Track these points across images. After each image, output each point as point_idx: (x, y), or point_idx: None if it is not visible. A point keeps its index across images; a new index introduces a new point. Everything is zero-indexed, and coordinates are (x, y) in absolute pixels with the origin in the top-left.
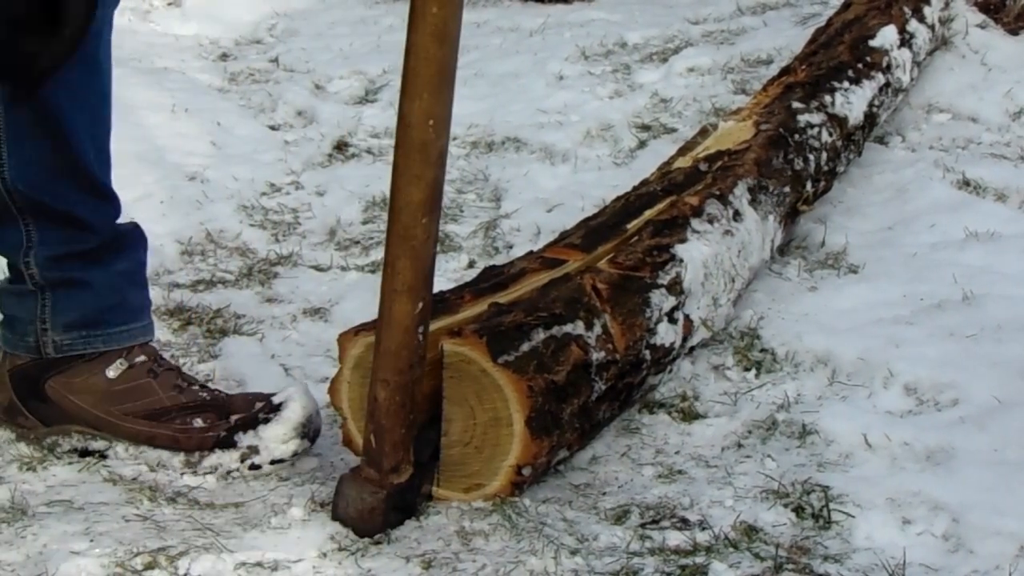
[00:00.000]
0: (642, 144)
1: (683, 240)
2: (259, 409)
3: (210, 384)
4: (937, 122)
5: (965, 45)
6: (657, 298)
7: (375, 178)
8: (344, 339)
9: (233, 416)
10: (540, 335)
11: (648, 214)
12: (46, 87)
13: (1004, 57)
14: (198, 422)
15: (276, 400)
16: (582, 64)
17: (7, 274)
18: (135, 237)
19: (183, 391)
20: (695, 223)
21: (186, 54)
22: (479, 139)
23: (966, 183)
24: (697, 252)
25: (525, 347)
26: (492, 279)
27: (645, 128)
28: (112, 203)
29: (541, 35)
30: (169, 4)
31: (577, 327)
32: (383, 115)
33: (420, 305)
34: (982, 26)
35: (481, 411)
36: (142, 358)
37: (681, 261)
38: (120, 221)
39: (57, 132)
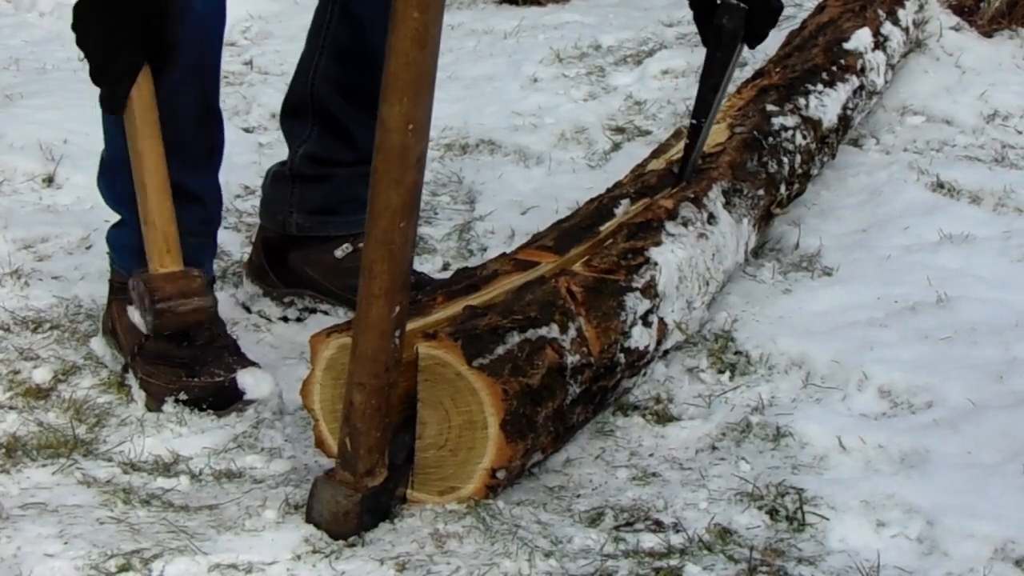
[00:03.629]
0: (616, 146)
1: (657, 243)
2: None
3: None
4: (911, 124)
5: (939, 47)
6: (632, 301)
7: None
8: (316, 341)
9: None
10: (515, 338)
11: (620, 217)
12: (371, 28)
13: (978, 59)
14: None
15: None
16: (556, 66)
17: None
18: None
19: None
20: (669, 226)
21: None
22: (453, 141)
23: (940, 185)
24: (671, 255)
25: (500, 350)
26: (465, 281)
27: (619, 130)
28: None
29: (515, 38)
30: None
31: (552, 330)
32: None
33: (397, 309)
34: (956, 28)
35: (456, 414)
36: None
37: (655, 264)
38: None
39: (366, 64)
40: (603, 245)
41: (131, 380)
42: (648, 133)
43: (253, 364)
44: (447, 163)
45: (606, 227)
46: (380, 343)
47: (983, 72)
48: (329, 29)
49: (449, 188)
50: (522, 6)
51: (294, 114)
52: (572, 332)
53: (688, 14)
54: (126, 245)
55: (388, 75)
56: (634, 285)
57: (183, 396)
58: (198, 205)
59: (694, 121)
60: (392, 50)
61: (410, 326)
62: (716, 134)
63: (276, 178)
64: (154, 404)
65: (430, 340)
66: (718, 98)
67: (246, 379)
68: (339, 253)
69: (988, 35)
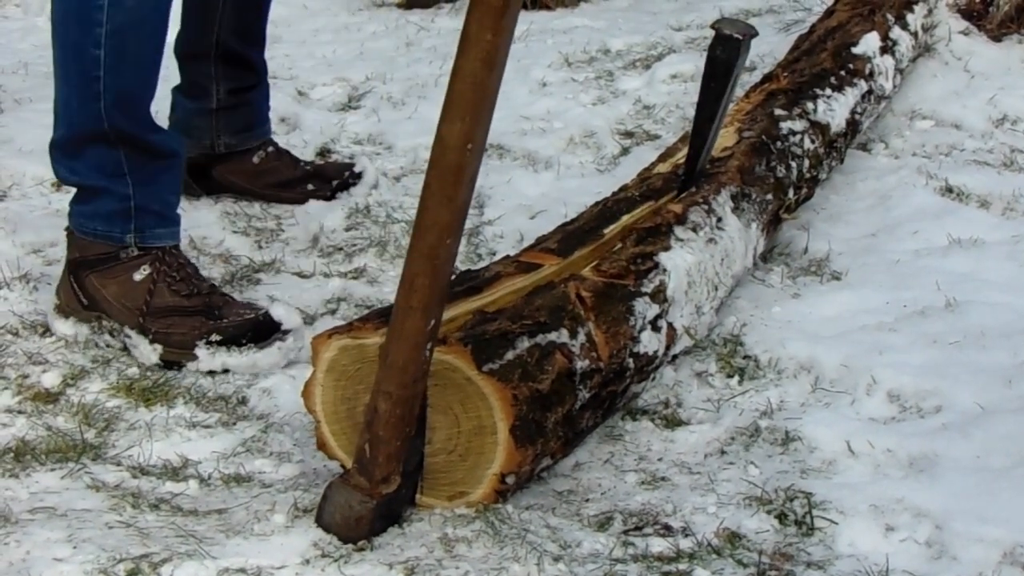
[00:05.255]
0: (625, 151)
1: (667, 248)
2: (348, 175)
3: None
4: (920, 129)
5: (948, 52)
6: (641, 306)
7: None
8: (317, 342)
9: (334, 181)
10: (525, 343)
11: (625, 219)
12: None
13: (987, 64)
14: (310, 187)
15: (357, 169)
16: (565, 71)
17: (189, 95)
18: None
19: (297, 168)
20: (678, 231)
21: (169, 61)
22: None
23: (949, 190)
24: (681, 260)
25: (510, 355)
26: (467, 283)
27: (628, 135)
28: (265, 48)
29: (524, 42)
30: None
31: (562, 335)
32: (366, 122)
33: (432, 323)
34: (965, 33)
35: (465, 419)
36: (271, 149)
37: (665, 269)
38: None
39: (258, 8)
40: (608, 248)
41: (135, 340)
42: (657, 137)
43: (259, 304)
44: None
45: (610, 229)
46: (412, 355)
47: (992, 76)
48: None
49: None
50: (531, 10)
51: (195, 59)
52: (582, 337)
53: (697, 19)
54: (110, 212)
55: (453, 93)
56: (643, 290)
57: (216, 338)
58: (176, 161)
59: (691, 153)
60: (459, 70)
61: None
62: (724, 138)
63: (198, 114)
64: (177, 353)
65: (440, 345)
66: (715, 128)
67: (279, 311)
68: (255, 159)
69: (997, 39)
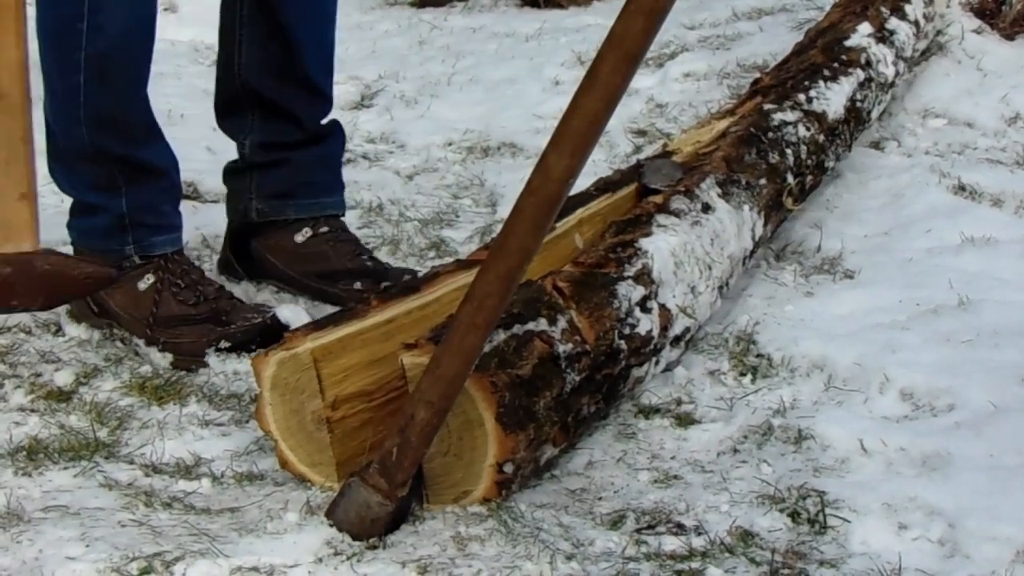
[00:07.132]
0: (638, 149)
1: (647, 234)
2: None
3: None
4: (933, 127)
5: (960, 50)
6: (624, 289)
7: (371, 183)
8: (257, 362)
9: (383, 283)
10: (500, 335)
11: (580, 212)
12: (282, 6)
13: (1000, 62)
14: (358, 284)
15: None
16: (578, 69)
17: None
18: (335, 131)
19: (352, 259)
20: (660, 218)
21: (182, 59)
22: (475, 144)
23: (962, 188)
24: (664, 243)
25: (485, 347)
26: (403, 285)
27: (641, 133)
28: (325, 104)
29: (537, 40)
30: (165, 9)
31: (540, 324)
32: (379, 120)
33: (489, 341)
34: (978, 31)
35: (452, 417)
36: (325, 229)
37: (647, 252)
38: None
39: (286, 42)
40: (561, 240)
41: (145, 349)
42: (670, 136)
43: (267, 306)
44: (469, 166)
45: (563, 223)
46: (463, 370)
47: (1005, 75)
48: (243, 19)
49: (471, 191)
50: (544, 9)
51: (229, 112)
52: (563, 324)
53: (710, 17)
54: (106, 228)
55: (568, 128)
56: (625, 274)
57: (225, 344)
58: (169, 177)
59: None
60: (580, 107)
61: (345, 331)
62: (708, 134)
63: (233, 172)
64: (186, 361)
65: (412, 349)
66: None
67: (285, 313)
68: (299, 238)
69: (1010, 38)
